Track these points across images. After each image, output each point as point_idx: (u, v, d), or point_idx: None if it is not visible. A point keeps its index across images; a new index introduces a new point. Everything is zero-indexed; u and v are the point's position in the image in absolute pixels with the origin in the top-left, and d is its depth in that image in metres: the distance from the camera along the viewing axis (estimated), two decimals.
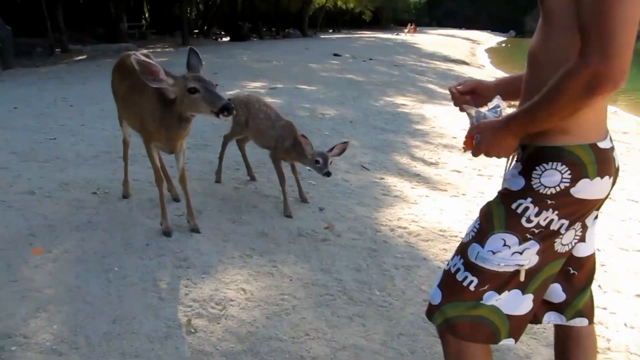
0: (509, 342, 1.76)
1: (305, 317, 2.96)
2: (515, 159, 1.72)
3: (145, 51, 4.44)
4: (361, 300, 3.14)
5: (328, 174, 4.09)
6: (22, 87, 11.41)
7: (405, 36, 39.68)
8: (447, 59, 22.60)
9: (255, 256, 3.60)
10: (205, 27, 34.82)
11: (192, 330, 2.78)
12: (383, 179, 5.35)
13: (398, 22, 63.79)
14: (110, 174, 5.04)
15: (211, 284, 3.22)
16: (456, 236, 4.05)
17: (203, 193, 4.62)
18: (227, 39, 33.63)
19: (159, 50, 22.55)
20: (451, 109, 8.63)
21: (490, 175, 5.62)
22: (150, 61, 3.30)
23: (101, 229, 3.88)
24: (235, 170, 5.31)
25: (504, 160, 1.72)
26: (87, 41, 24.04)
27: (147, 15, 37.80)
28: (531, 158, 1.61)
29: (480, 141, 1.66)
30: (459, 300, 1.73)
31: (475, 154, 1.71)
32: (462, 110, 1.90)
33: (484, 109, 1.75)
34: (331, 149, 4.20)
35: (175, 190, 4.48)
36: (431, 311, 1.82)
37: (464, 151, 1.78)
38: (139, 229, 3.90)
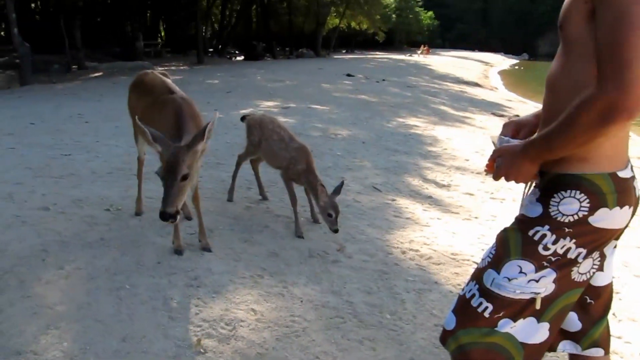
0: None
1: (315, 339, 2.93)
2: (533, 185, 1.71)
3: (160, 69, 4.49)
4: (372, 323, 3.11)
5: (336, 231, 4.05)
6: (39, 103, 11.57)
7: (418, 57, 39.93)
8: (459, 81, 22.65)
9: (266, 276, 3.59)
10: (220, 46, 35.24)
11: (202, 351, 2.77)
12: (395, 200, 5.33)
13: (411, 44, 64.24)
14: (123, 191, 5.07)
15: (221, 303, 3.21)
16: (468, 260, 4.01)
17: (215, 212, 4.63)
18: (242, 58, 34.02)
19: (173, 68, 22.81)
20: (464, 131, 8.64)
21: (502, 198, 5.58)
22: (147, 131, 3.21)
23: (113, 246, 3.89)
24: (247, 190, 5.32)
25: (518, 184, 1.72)
26: (103, 59, 24.40)
27: (162, 34, 38.34)
28: (550, 185, 1.60)
29: (500, 165, 1.66)
30: (473, 327, 1.71)
31: (495, 178, 1.71)
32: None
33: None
34: (337, 191, 4.15)
35: (188, 209, 4.49)
36: (445, 337, 1.80)
37: (486, 174, 1.80)
38: (150, 247, 3.90)
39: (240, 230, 4.29)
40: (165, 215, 3.06)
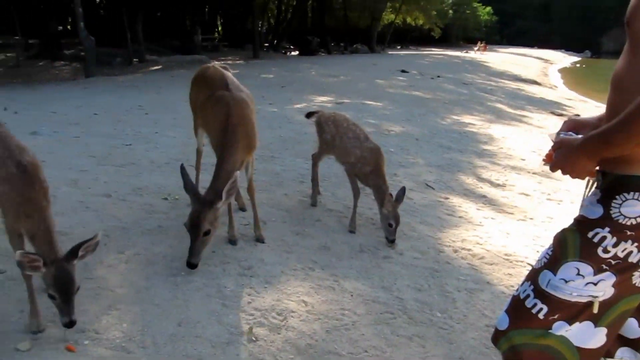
0: None
1: (365, 333, 2.95)
2: (594, 185, 1.68)
3: (217, 63, 4.60)
4: (421, 320, 3.11)
5: (392, 242, 4.02)
6: (102, 94, 12.02)
7: (475, 54, 39.11)
8: (517, 79, 22.08)
9: (317, 269, 3.63)
10: (275, 41, 35.57)
11: (253, 339, 2.84)
12: (448, 198, 5.28)
13: (467, 40, 62.92)
14: (180, 181, 5.18)
15: (273, 294, 3.28)
16: (522, 261, 3.94)
17: (268, 204, 4.71)
18: (296, 53, 34.24)
19: (230, 62, 23.21)
20: (520, 130, 8.43)
21: (560, 200, 5.44)
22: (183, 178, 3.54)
23: (170, 234, 4.02)
24: (300, 183, 5.38)
25: (576, 184, 1.69)
26: (162, 52, 25.07)
27: (220, 28, 39.03)
28: (611, 186, 1.57)
29: (556, 156, 1.64)
30: (526, 328, 1.69)
31: (552, 169, 1.69)
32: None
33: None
34: (399, 199, 4.06)
35: (242, 200, 4.59)
36: (497, 336, 1.78)
37: (544, 164, 1.77)
38: None
39: (292, 223, 4.36)
40: (191, 265, 3.38)
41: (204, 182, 4.96)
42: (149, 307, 3.07)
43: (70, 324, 2.63)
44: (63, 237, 3.85)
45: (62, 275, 2.60)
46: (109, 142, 6.81)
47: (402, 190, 4.12)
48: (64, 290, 2.60)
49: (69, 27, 27.50)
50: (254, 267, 3.58)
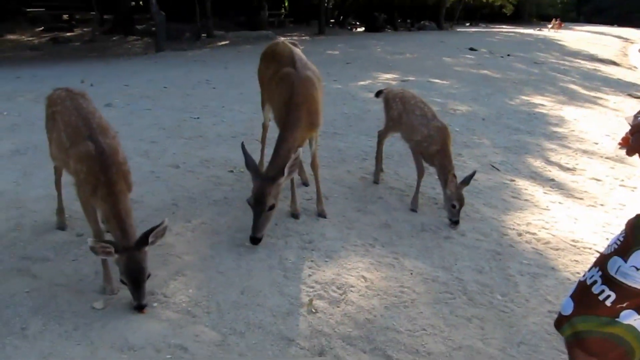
0: None
1: (423, 312, 2.96)
2: None
3: (283, 39, 4.63)
4: (481, 302, 3.09)
5: (456, 223, 3.97)
6: (172, 68, 12.35)
7: (549, 32, 37.41)
8: (593, 58, 21.00)
9: (377, 246, 3.66)
10: (341, 17, 35.29)
11: (313, 311, 2.91)
12: (514, 181, 5.15)
13: (541, 17, 60.16)
14: None
15: (333, 268, 3.33)
16: (590, 248, 3.82)
17: (331, 180, 4.75)
18: (362, 29, 33.87)
19: (295, 38, 23.26)
20: (594, 112, 8.05)
21: (634, 187, 5.20)
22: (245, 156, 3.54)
23: (235, 206, 4.14)
24: (362, 160, 5.39)
25: None
26: (229, 28, 25.39)
27: (286, 4, 39.08)
28: None
29: (634, 140, 1.56)
30: (592, 314, 1.66)
31: (628, 153, 1.61)
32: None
33: None
34: (466, 181, 4.00)
35: (305, 175, 4.65)
36: (560, 321, 1.76)
37: (620, 148, 1.69)
38: None
39: (354, 200, 4.39)
40: (255, 240, 3.45)
41: (269, 156, 5.06)
42: (213, 275, 3.20)
43: (139, 307, 2.79)
44: (135, 205, 4.04)
45: (132, 265, 2.73)
46: (178, 115, 7.03)
47: (472, 174, 4.05)
48: (134, 279, 2.75)
49: (141, 2, 28.24)
50: (315, 241, 3.65)
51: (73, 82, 8.76)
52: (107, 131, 3.02)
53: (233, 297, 2.99)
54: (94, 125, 2.99)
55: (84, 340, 2.59)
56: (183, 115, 7.03)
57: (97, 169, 2.81)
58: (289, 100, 3.68)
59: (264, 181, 3.43)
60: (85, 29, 23.12)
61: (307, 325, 2.79)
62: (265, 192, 3.40)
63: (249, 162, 3.56)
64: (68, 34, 21.81)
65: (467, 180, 4.00)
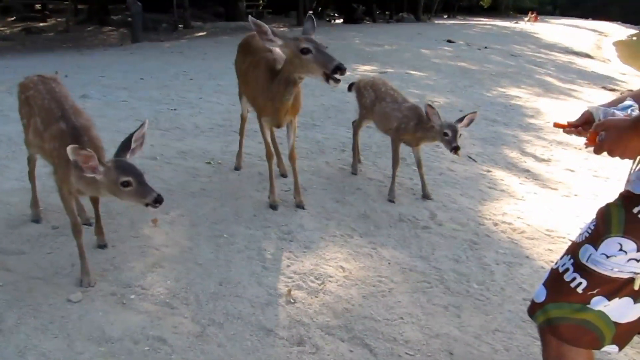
0: (613, 349, 1.70)
1: (401, 301, 2.99)
2: None
3: None
4: (458, 291, 3.13)
5: (456, 149, 3.84)
6: (148, 60, 12.21)
7: (525, 25, 37.79)
8: (568, 51, 21.30)
9: (355, 236, 3.68)
10: (320, 9, 35.17)
11: (292, 301, 2.92)
12: (490, 171, 5.21)
13: (518, 10, 60.64)
14: (224, 146, 5.33)
15: (312, 258, 3.34)
16: (564, 237, 3.89)
17: (309, 171, 4.76)
18: (341, 21, 33.81)
19: (274, 29, 23.15)
20: (569, 104, 8.15)
21: (607, 177, 5.30)
22: (261, 23, 3.37)
23: (213, 197, 4.13)
24: (341, 152, 5.40)
25: (623, 160, 1.62)
26: (207, 19, 25.16)
27: None
28: None
29: (604, 139, 1.58)
30: (564, 302, 1.69)
31: (597, 152, 1.62)
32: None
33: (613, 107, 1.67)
34: (461, 119, 3.97)
35: (284, 166, 4.65)
36: (534, 309, 1.79)
37: (586, 147, 1.70)
38: (247, 200, 4.10)
39: (332, 191, 4.40)
40: (344, 66, 3.27)
41: (248, 147, 5.07)
42: (192, 266, 3.19)
43: (159, 197, 2.61)
44: (111, 197, 4.01)
45: (123, 162, 2.64)
46: (155, 107, 6.96)
47: (474, 114, 4.05)
48: (133, 171, 2.62)
49: None
50: (293, 232, 3.66)
51: (47, 72, 8.59)
52: (81, 114, 3.00)
53: (212, 288, 2.98)
54: (66, 107, 2.98)
55: (60, 334, 2.56)
56: (160, 107, 6.96)
57: (70, 142, 2.73)
58: (271, 73, 3.68)
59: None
60: (58, 19, 22.69)
61: (285, 315, 2.80)
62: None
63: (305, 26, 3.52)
64: (41, 24, 21.40)
65: (462, 119, 3.97)
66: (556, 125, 1.87)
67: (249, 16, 3.55)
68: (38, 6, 23.89)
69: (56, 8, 24.65)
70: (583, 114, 1.82)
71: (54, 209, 3.70)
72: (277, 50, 3.97)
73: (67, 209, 2.98)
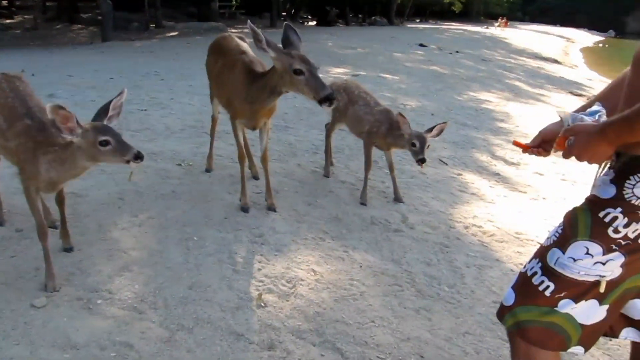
0: (579, 350, 1.72)
1: (372, 304, 2.99)
2: (607, 165, 1.66)
3: (234, 31, 4.59)
4: (429, 294, 3.14)
5: (422, 161, 3.88)
6: (119, 59, 12.02)
7: (495, 30, 38.38)
8: (537, 57, 21.70)
9: (327, 239, 3.67)
10: (293, 11, 35.18)
11: (262, 305, 2.89)
12: (461, 175, 5.27)
13: (489, 16, 61.58)
14: (195, 148, 5.26)
15: (283, 262, 3.32)
16: (533, 240, 3.94)
17: (281, 174, 4.73)
18: (314, 23, 33.87)
19: (247, 30, 23.06)
20: (538, 109, 8.29)
21: (574, 180, 5.41)
22: (258, 30, 3.34)
23: (183, 200, 4.07)
24: (313, 154, 5.39)
25: (591, 164, 1.65)
26: (179, 19, 24.93)
27: None
28: (625, 167, 1.55)
29: (573, 144, 1.61)
30: (532, 305, 1.70)
31: (565, 156, 1.65)
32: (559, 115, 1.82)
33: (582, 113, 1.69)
34: (430, 129, 4.02)
35: (256, 169, 4.62)
36: (502, 312, 1.80)
37: (554, 151, 1.72)
38: (218, 203, 4.06)
39: (305, 194, 4.38)
40: (334, 95, 3.32)
41: (219, 149, 5.01)
42: (161, 270, 3.13)
43: (140, 153, 2.62)
44: (79, 199, 3.94)
45: (100, 124, 2.64)
46: (125, 107, 6.81)
47: (444, 124, 4.07)
48: (111, 131, 2.62)
49: None
50: (265, 235, 3.63)
51: (12, 71, 8.38)
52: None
53: (181, 293, 2.93)
54: (31, 105, 2.90)
55: (23, 340, 2.49)
56: (130, 107, 6.83)
57: (35, 134, 2.74)
58: (247, 75, 3.66)
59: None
60: (26, 16, 22.19)
61: (256, 319, 2.77)
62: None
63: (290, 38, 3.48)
64: (7, 20, 20.92)
65: (431, 129, 4.01)
66: (515, 143, 1.90)
67: (248, 21, 3.50)
68: (5, 2, 23.34)
69: (24, 5, 24.13)
70: (539, 133, 1.87)
71: (18, 211, 3.60)
72: (250, 51, 3.96)
73: (32, 208, 2.90)
